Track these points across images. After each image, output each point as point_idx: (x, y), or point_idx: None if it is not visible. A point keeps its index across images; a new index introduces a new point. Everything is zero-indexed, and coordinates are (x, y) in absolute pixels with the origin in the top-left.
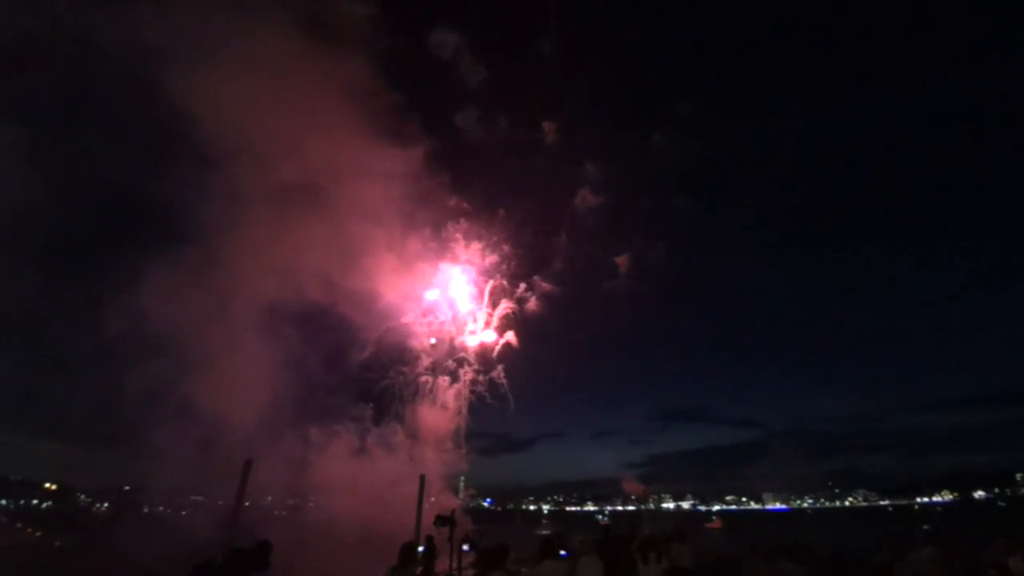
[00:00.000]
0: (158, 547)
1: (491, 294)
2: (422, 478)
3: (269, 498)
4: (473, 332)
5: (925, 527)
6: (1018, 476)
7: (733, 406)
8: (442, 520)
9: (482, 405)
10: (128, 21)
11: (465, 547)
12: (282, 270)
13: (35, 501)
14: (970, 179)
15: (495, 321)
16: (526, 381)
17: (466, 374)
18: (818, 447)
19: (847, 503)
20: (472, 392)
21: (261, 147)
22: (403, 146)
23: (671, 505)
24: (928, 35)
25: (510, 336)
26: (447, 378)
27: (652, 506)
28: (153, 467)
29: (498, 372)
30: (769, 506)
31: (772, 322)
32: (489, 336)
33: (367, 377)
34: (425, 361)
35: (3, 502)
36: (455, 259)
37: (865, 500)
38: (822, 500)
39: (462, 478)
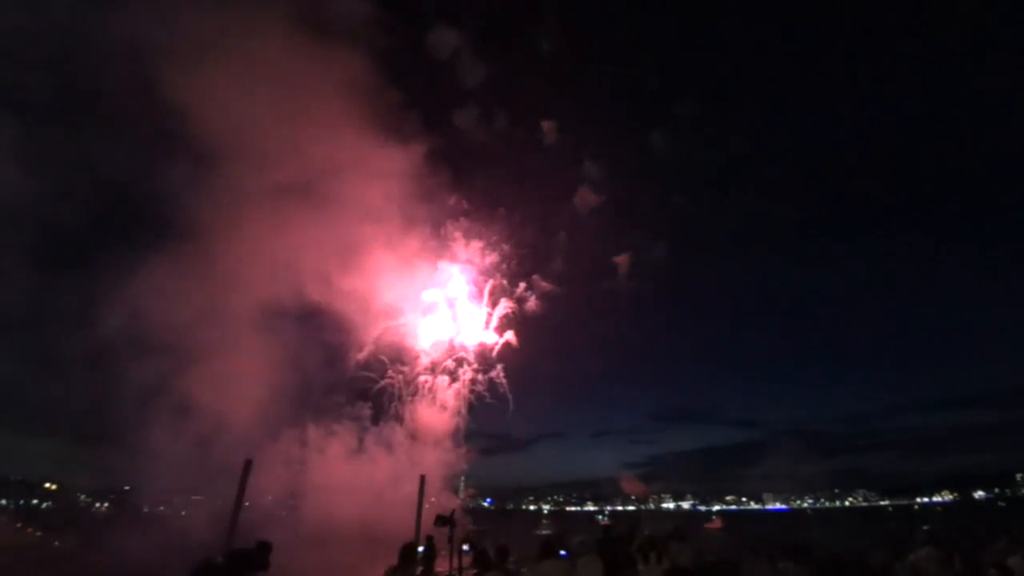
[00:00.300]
0: (157, 547)
1: (491, 293)
2: (422, 478)
3: (269, 498)
4: (472, 332)
5: (925, 527)
6: (1018, 476)
7: (733, 406)
8: (442, 520)
9: (482, 405)
10: (126, 17)
11: (465, 547)
12: (280, 268)
13: (35, 501)
14: (971, 179)
15: (495, 321)
16: (526, 381)
17: (465, 374)
18: (818, 447)
19: (847, 503)
20: (471, 392)
21: (259, 144)
22: (402, 144)
23: (671, 505)
24: (932, 33)
25: (510, 336)
26: (446, 378)
27: (652, 506)
28: (151, 467)
29: (497, 372)
30: (769, 506)
31: (772, 322)
32: (488, 336)
33: (366, 376)
34: (424, 360)
35: (3, 502)
36: (454, 258)
37: (865, 500)
38: (822, 500)
39: (462, 478)
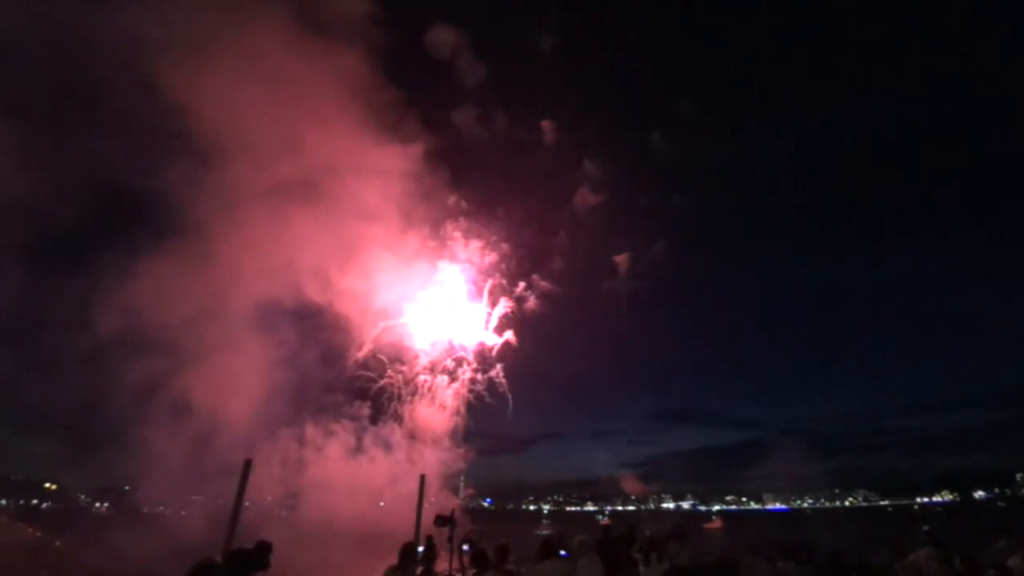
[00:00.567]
0: (156, 547)
1: (490, 293)
2: (422, 478)
3: (269, 498)
4: (472, 331)
5: (925, 528)
6: (1018, 476)
7: (733, 406)
8: (442, 520)
9: (482, 405)
10: (124, 15)
11: (465, 547)
12: (278, 267)
13: (35, 501)
14: (973, 180)
15: (494, 320)
16: (526, 381)
17: (464, 373)
18: (818, 447)
19: (847, 503)
20: (471, 392)
21: (257, 143)
22: (402, 143)
23: (671, 505)
24: (934, 32)
25: (509, 335)
26: (445, 377)
27: (652, 506)
28: (150, 467)
29: (497, 371)
30: (769, 506)
31: (772, 322)
32: (488, 335)
33: (365, 376)
34: (423, 360)
35: (3, 502)
36: (454, 258)
37: (865, 500)
38: (822, 500)
39: (461, 478)
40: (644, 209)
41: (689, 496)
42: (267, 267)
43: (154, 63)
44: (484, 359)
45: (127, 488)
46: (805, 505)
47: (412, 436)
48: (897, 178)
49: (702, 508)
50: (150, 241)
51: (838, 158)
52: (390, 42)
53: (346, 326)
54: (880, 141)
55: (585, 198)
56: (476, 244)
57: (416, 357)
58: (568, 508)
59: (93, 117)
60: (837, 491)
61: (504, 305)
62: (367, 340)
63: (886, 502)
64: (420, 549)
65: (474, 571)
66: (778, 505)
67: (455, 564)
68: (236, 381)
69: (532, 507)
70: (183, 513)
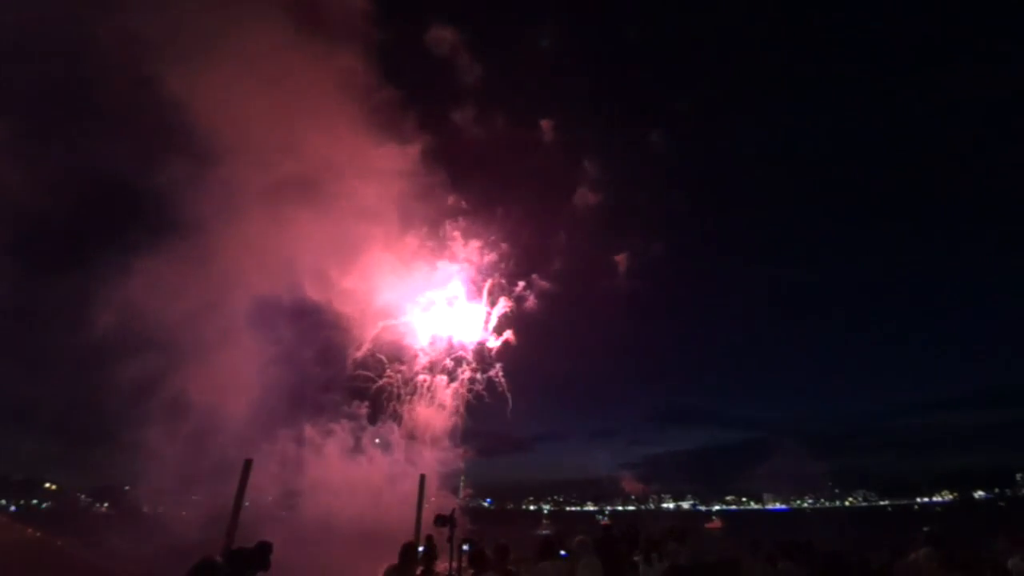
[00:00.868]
0: (155, 547)
1: (489, 292)
2: (422, 478)
3: (269, 498)
4: (471, 331)
5: (925, 528)
6: (1018, 476)
7: (733, 406)
8: (442, 520)
9: (482, 405)
10: (121, 13)
11: (465, 547)
12: (277, 266)
13: (35, 501)
14: (972, 180)
15: (493, 320)
16: (525, 380)
17: (464, 373)
18: (818, 447)
19: (847, 503)
20: (470, 391)
21: (255, 142)
22: (400, 142)
23: (671, 505)
24: (936, 31)
25: (508, 335)
26: (445, 377)
27: (652, 506)
28: (149, 467)
29: (496, 371)
30: (769, 506)
31: (772, 322)
32: (487, 335)
33: (363, 375)
34: (422, 360)
35: (3, 502)
36: (453, 257)
37: (865, 500)
38: (822, 500)
39: (461, 478)
40: (644, 209)
41: (689, 496)
42: (265, 266)
43: (152, 61)
44: (483, 359)
45: (127, 488)
46: (805, 505)
47: (411, 436)
48: (898, 178)
49: (702, 508)
50: (148, 239)
51: (838, 158)
52: (388, 41)
53: (345, 325)
54: (881, 141)
55: (584, 198)
56: (475, 244)
57: (415, 357)
58: (568, 508)
59: (90, 114)
60: (837, 491)
61: (503, 305)
62: (366, 339)
63: (886, 502)
64: (420, 549)
65: (473, 571)
66: (778, 505)
67: (455, 564)
68: (235, 380)
69: (532, 507)
70: (183, 513)
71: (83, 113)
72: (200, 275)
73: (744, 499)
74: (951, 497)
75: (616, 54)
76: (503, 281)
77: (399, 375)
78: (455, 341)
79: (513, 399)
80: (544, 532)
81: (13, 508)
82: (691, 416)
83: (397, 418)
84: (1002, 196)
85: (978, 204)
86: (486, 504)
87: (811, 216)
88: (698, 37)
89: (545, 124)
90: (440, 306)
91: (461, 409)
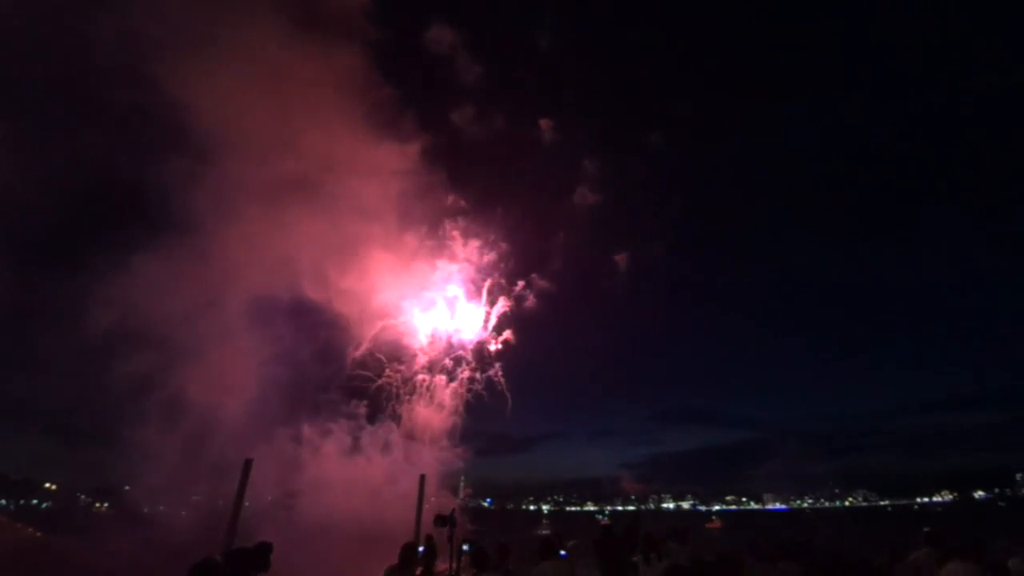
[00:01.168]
0: (154, 547)
1: (489, 292)
2: (422, 478)
3: (269, 498)
4: (470, 330)
5: (926, 529)
6: (1018, 476)
7: (733, 406)
8: (442, 520)
9: (482, 405)
10: (117, 10)
11: (465, 547)
12: (274, 265)
13: (35, 501)
14: (972, 180)
15: (493, 319)
16: (525, 380)
17: (463, 373)
18: (818, 447)
19: (847, 503)
20: (469, 391)
21: (253, 140)
22: (399, 141)
23: (671, 505)
24: (938, 30)
25: (508, 335)
26: (444, 377)
27: (652, 506)
28: (148, 466)
29: (496, 371)
30: (769, 506)
31: (772, 322)
32: (487, 335)
33: (362, 375)
34: (421, 359)
35: (3, 502)
36: (452, 257)
37: (865, 500)
38: (822, 500)
39: (461, 478)
40: (644, 208)
41: (689, 496)
42: (263, 265)
43: (149, 58)
44: (483, 358)
45: (127, 488)
46: (805, 505)
47: (410, 436)
48: (898, 178)
49: (702, 508)
50: (145, 238)
51: (838, 158)
52: (387, 39)
53: (343, 325)
54: (881, 141)
55: (584, 197)
56: (475, 243)
57: (414, 356)
58: (568, 508)
59: (87, 112)
60: (837, 491)
61: (503, 304)
62: (365, 339)
63: (886, 502)
64: (420, 549)
65: (474, 571)
66: (778, 505)
67: (455, 564)
68: (233, 379)
69: (532, 507)
70: (183, 513)
71: (80, 111)
72: (198, 274)
73: (744, 499)
74: (951, 497)
75: (616, 54)
76: (502, 281)
77: (398, 375)
78: (454, 341)
79: (513, 399)
80: (544, 532)
81: (13, 508)
82: (691, 416)
83: (396, 418)
84: (1002, 197)
85: (977, 205)
86: (486, 504)
87: (811, 216)
88: (698, 37)
89: (544, 124)
90: (439, 305)
91: (460, 409)
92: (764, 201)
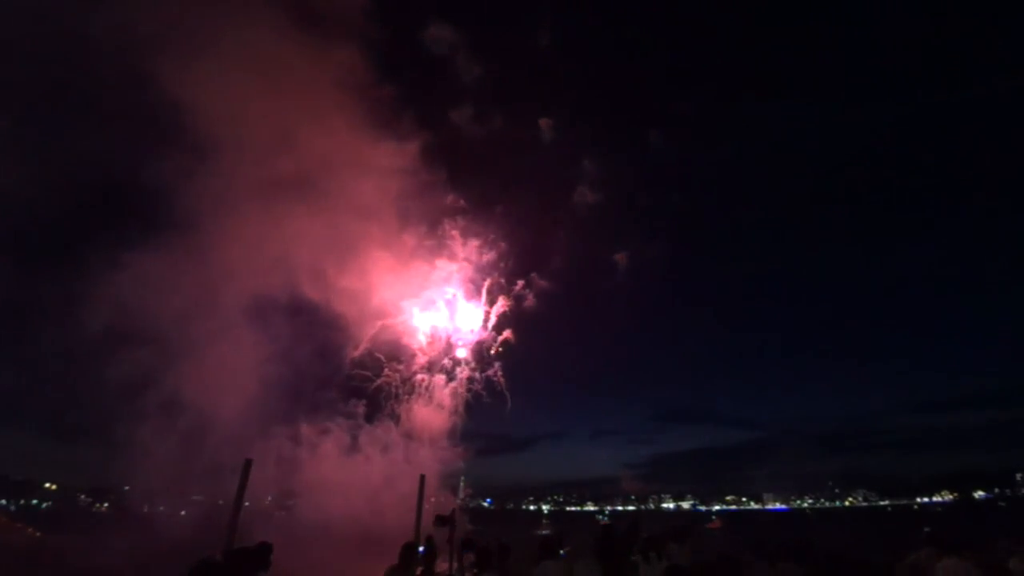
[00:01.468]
0: (153, 547)
1: (488, 292)
2: (422, 478)
3: (269, 498)
4: (470, 330)
5: (926, 529)
6: (1018, 476)
7: (733, 406)
8: (442, 520)
9: (482, 405)
10: (116, 8)
11: (467, 550)
12: (273, 264)
13: (35, 501)
14: (971, 180)
15: (492, 319)
16: (525, 380)
17: (463, 372)
18: (818, 447)
19: (847, 503)
20: (469, 391)
21: (251, 138)
22: (398, 140)
23: (671, 505)
24: (933, 33)
25: (508, 334)
26: (443, 377)
27: (652, 506)
28: (145, 465)
29: (495, 370)
30: (769, 506)
31: (772, 322)
32: (486, 334)
33: (361, 375)
34: (421, 359)
35: (3, 502)
36: (452, 256)
37: (865, 500)
38: (822, 500)
39: (461, 478)
40: (643, 208)
41: (689, 496)
42: (262, 263)
43: (147, 57)
44: (482, 358)
45: (127, 488)
46: (805, 505)
47: (409, 436)
48: (897, 178)
49: (702, 508)
50: (143, 236)
51: (839, 157)
52: (386, 38)
53: (342, 324)
54: (881, 141)
55: (584, 196)
56: (474, 242)
57: (413, 356)
58: (568, 508)
59: (84, 110)
60: (837, 491)
61: (502, 304)
62: (364, 338)
63: (886, 502)
64: (420, 549)
65: (475, 571)
66: (778, 505)
67: (455, 564)
68: (230, 378)
69: (532, 507)
70: (183, 513)
71: (77, 109)
72: (195, 272)
73: (744, 499)
74: (951, 497)
75: (616, 53)
76: (502, 280)
77: (397, 374)
78: (454, 340)
79: (512, 399)
80: (544, 532)
81: (13, 508)
82: (691, 416)
83: (395, 418)
84: (1001, 197)
85: (978, 206)
86: (486, 504)
87: (812, 216)
88: (698, 36)
89: (544, 123)
90: (439, 305)
91: (460, 409)
92: (764, 201)
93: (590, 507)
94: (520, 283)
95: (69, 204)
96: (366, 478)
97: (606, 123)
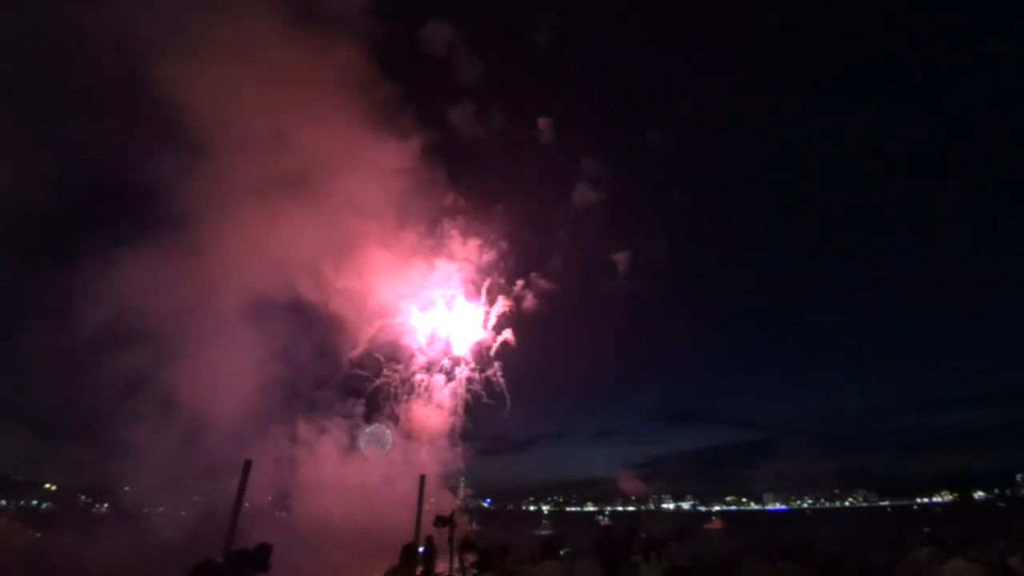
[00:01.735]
0: (154, 547)
1: (488, 291)
2: (422, 478)
3: (269, 499)
4: (469, 330)
5: (926, 529)
6: (1018, 476)
7: (733, 406)
8: (442, 521)
9: (482, 406)
10: (115, 7)
11: (467, 552)
12: (272, 263)
13: (35, 501)
14: (971, 179)
15: (492, 319)
16: (525, 380)
17: (462, 373)
18: (818, 447)
19: (847, 503)
20: (468, 391)
21: (249, 136)
22: (398, 139)
23: (671, 505)
24: (934, 33)
25: (507, 334)
26: (442, 377)
27: (652, 506)
28: (145, 466)
29: (495, 370)
30: (769, 506)
31: (772, 322)
32: (486, 334)
33: (360, 375)
34: (420, 359)
35: (3, 502)
36: (451, 256)
37: (865, 500)
38: (822, 500)
39: (461, 478)
40: (644, 207)
41: (689, 496)
42: (260, 262)
43: (146, 54)
44: (482, 358)
45: (127, 488)
46: (805, 505)
47: (408, 436)
48: (897, 177)
49: (702, 508)
50: (141, 235)
51: (838, 157)
52: (386, 37)
53: (341, 324)
54: (881, 141)
55: (584, 196)
56: (474, 242)
57: (412, 356)
58: (568, 508)
59: (82, 108)
60: (837, 491)
61: (502, 304)
62: (362, 338)
63: (886, 502)
64: (420, 550)
65: (476, 571)
66: (778, 505)
67: (455, 565)
68: (229, 379)
69: (532, 508)
70: (182, 514)
71: (75, 107)
72: (193, 271)
73: (744, 499)
74: (951, 497)
75: (615, 51)
76: (502, 280)
77: (396, 374)
78: (453, 340)
79: (512, 399)
80: (544, 532)
81: (13, 508)
82: (691, 416)
83: (394, 418)
84: (1002, 196)
85: (977, 204)
86: (486, 504)
87: (811, 215)
88: (698, 35)
89: (543, 122)
90: (438, 305)
91: (459, 409)
92: (765, 200)
93: (590, 507)
94: (520, 283)
95: (65, 202)
96: (364, 478)
97: (606, 122)
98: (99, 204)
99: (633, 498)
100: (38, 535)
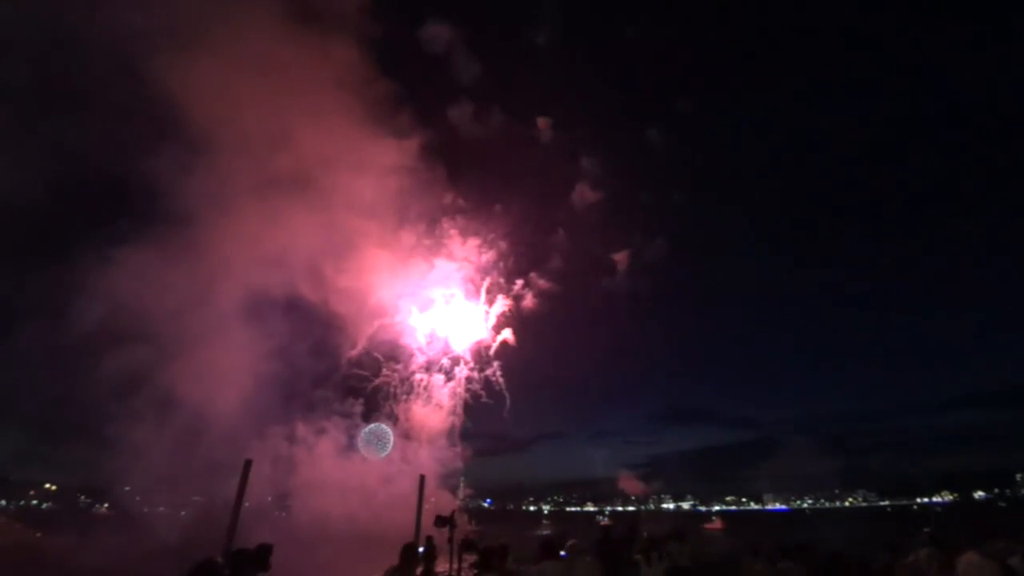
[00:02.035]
0: (153, 547)
1: (487, 291)
2: (422, 478)
3: (270, 499)
4: (469, 330)
5: (926, 529)
6: (1018, 476)
7: (733, 406)
8: (442, 521)
9: (481, 405)
10: (115, 6)
11: (468, 552)
12: (269, 262)
13: (35, 501)
14: (970, 180)
15: (491, 319)
16: (524, 380)
17: (461, 372)
18: (818, 447)
19: (847, 503)
20: (468, 391)
21: (248, 135)
22: (397, 138)
23: (671, 505)
24: (934, 34)
25: (507, 334)
26: (442, 376)
27: (652, 506)
28: (145, 466)
29: (494, 370)
30: (769, 506)
31: (773, 322)
32: (485, 334)
33: (359, 374)
34: (419, 359)
35: (3, 502)
36: (451, 255)
37: (865, 500)
38: (822, 500)
39: (461, 478)
40: (643, 206)
41: (689, 496)
42: (258, 261)
43: (145, 53)
44: (481, 358)
45: (127, 488)
46: (805, 505)
47: (407, 436)
48: (897, 177)
49: (702, 508)
50: (140, 233)
51: (838, 157)
52: (385, 36)
53: (340, 323)
54: (881, 141)
55: (583, 195)
56: (473, 241)
57: (412, 356)
58: (568, 508)
59: (81, 106)
60: (837, 491)
61: (502, 303)
62: (361, 338)
63: (886, 502)
64: (420, 550)
65: (476, 571)
66: (778, 505)
67: (455, 565)
68: (226, 377)
69: (532, 507)
70: (182, 513)
71: (74, 105)
72: (191, 270)
73: (744, 499)
74: (951, 497)
75: (614, 51)
76: (501, 280)
77: (395, 374)
78: (452, 340)
79: (512, 399)
80: (544, 532)
81: (13, 508)
82: (691, 416)
83: (393, 417)
84: (1001, 196)
85: (977, 204)
86: (486, 504)
87: (811, 215)
88: (697, 34)
89: (543, 121)
90: (437, 304)
91: (459, 409)
92: (765, 199)
93: (590, 507)
94: (519, 282)
95: (62, 200)
96: (363, 478)
97: (605, 121)
98: (97, 202)
99: (633, 498)
100: (38, 535)
